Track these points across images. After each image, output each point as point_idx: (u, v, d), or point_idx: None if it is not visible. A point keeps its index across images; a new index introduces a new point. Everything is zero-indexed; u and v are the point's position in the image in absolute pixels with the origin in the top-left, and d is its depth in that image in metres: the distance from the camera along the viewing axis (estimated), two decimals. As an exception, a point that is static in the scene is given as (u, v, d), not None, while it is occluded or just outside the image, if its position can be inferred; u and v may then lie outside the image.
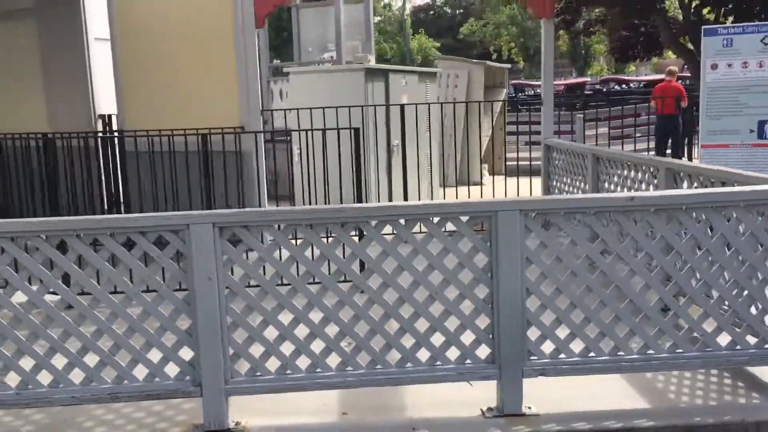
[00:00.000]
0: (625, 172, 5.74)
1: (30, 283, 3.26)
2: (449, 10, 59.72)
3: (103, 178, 7.55)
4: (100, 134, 8.13)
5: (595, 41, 48.14)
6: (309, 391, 3.44)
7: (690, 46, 13.53)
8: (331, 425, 3.45)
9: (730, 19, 12.87)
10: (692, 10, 13.44)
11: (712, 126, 7.05)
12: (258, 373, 3.41)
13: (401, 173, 8.07)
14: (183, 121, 7.31)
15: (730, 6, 12.73)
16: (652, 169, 5.19)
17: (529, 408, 3.45)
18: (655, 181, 5.04)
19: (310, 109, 7.86)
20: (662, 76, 21.65)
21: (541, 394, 3.49)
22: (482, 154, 12.74)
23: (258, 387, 3.40)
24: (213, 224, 3.25)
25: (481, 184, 11.24)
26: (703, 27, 7.18)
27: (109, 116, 9.60)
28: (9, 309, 3.26)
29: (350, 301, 3.37)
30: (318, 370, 3.42)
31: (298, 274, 3.39)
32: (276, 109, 8.39)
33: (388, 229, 3.34)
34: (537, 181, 8.50)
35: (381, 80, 9.19)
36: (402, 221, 3.34)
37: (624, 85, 21.93)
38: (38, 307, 3.28)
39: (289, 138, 8.76)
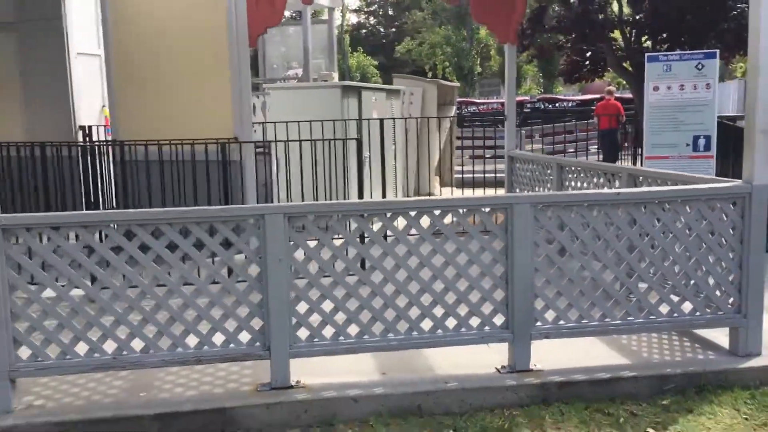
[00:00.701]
0: (588, 178, 6.67)
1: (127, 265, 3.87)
2: (382, 29, 61.03)
3: (84, 184, 7.90)
4: (100, 143, 8.53)
5: (525, 63, 50.36)
6: (358, 354, 4.15)
7: (630, 69, 14.90)
8: (375, 382, 4.16)
9: (665, 46, 14.31)
10: (632, 38, 14.84)
11: (655, 140, 8.09)
12: (315, 339, 4.09)
13: (371, 182, 8.85)
14: (178, 132, 7.89)
15: (665, 35, 14.17)
16: (613, 175, 6.13)
17: (535, 365, 4.25)
18: (617, 183, 5.97)
19: (298, 122, 8.55)
20: (589, 96, 23.28)
21: (544, 356, 4.29)
22: (435, 167, 13.69)
23: (316, 350, 4.08)
24: (284, 214, 3.93)
25: (430, 194, 12.15)
26: (646, 54, 8.23)
27: (89, 127, 10.00)
28: (110, 287, 3.85)
29: (392, 279, 4.10)
30: (365, 336, 4.13)
31: (348, 256, 4.11)
32: (262, 122, 9.00)
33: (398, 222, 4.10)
34: (489, 192, 9.36)
35: (355, 96, 9.94)
36: (437, 212, 4.11)
37: (557, 104, 23.38)
38: (134, 285, 3.88)
39: (267, 150, 9.38)
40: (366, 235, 4.12)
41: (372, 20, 62.01)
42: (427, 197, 4.31)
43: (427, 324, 4.18)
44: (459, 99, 26.96)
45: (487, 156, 16.88)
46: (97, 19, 12.00)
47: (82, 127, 10.17)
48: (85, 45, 11.11)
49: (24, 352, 3.85)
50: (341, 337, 4.11)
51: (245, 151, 8.15)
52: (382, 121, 8.52)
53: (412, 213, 4.11)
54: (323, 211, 4.01)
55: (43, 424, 3.74)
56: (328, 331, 4.10)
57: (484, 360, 4.35)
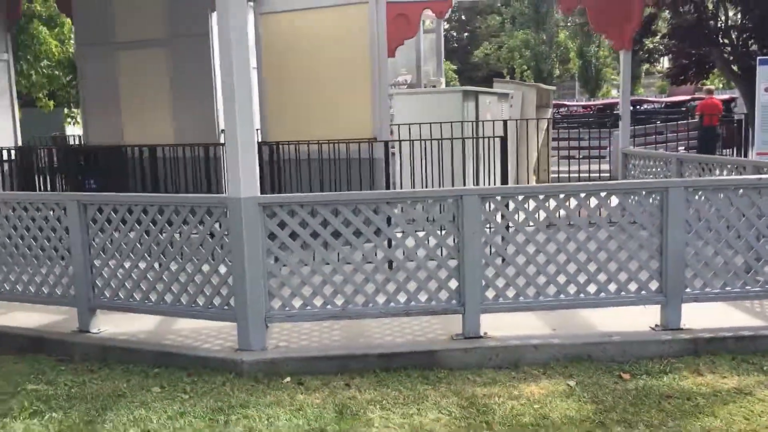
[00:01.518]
0: (709, 172, 7.35)
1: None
2: (455, 33, 61.72)
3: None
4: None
5: (604, 66, 50.24)
6: (535, 311, 5.03)
7: (739, 72, 15.29)
8: (550, 335, 5.02)
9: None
10: (740, 43, 15.28)
11: (765, 137, 8.67)
12: (500, 299, 4.98)
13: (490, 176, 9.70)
14: (323, 134, 8.98)
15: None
16: (737, 167, 6.81)
17: (684, 325, 5.03)
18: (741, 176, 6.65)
19: (430, 123, 9.48)
20: (675, 99, 23.61)
21: (691, 318, 5.06)
22: (533, 167, 14.40)
23: (502, 307, 4.98)
24: (478, 195, 4.85)
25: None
26: (758, 58, 8.82)
27: None
28: (340, 252, 4.85)
29: (564, 249, 4.96)
30: (540, 297, 5.00)
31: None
32: (398, 124, 9.95)
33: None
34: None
35: (472, 100, 10.82)
36: (603, 194, 4.95)
37: (646, 106, 23.67)
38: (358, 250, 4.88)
39: (393, 149, 10.37)
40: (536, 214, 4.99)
41: (445, 25, 62.76)
42: (588, 183, 5.13)
43: (592, 288, 5.02)
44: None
45: (582, 156, 17.51)
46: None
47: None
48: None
49: (275, 303, 4.89)
50: (521, 297, 4.99)
51: (384, 149, 9.17)
52: (506, 122, 9.35)
53: (582, 195, 4.96)
54: (509, 193, 4.91)
55: (292, 358, 4.76)
56: (510, 292, 4.99)
57: (638, 321, 5.14)
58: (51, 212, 5.51)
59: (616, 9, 9.12)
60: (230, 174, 4.85)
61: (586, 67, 49.93)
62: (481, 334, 4.97)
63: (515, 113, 14.82)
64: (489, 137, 8.98)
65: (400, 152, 9.90)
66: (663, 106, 25.01)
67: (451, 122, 9.80)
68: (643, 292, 5.04)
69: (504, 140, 7.42)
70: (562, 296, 5.01)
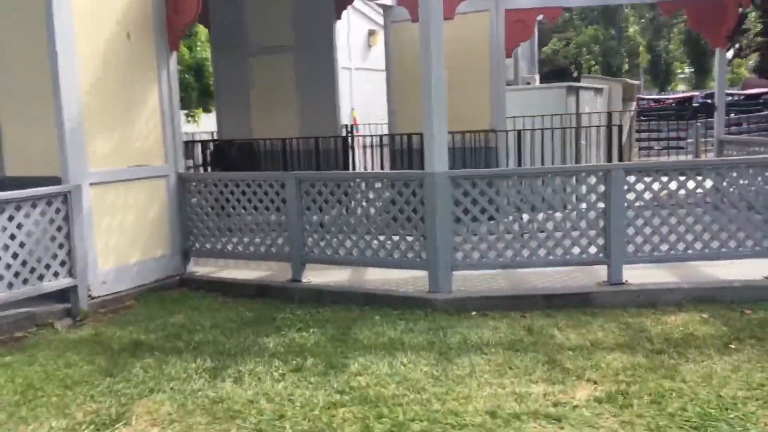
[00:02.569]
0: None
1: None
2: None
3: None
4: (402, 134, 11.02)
5: (674, 60, 50.17)
6: (668, 263, 6.23)
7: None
8: (679, 281, 6.20)
9: None
10: None
11: None
12: (638, 253, 6.20)
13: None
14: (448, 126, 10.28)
15: None
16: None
17: (792, 275, 6.14)
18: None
19: (535, 116, 10.71)
20: (752, 91, 24.16)
21: None
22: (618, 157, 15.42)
23: (640, 259, 6.19)
24: (623, 169, 6.08)
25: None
26: None
27: (350, 126, 12.75)
28: (512, 217, 6.16)
29: (692, 212, 6.15)
30: (671, 251, 6.19)
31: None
32: (515, 116, 11.16)
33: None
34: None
35: (574, 95, 11.99)
36: (734, 172, 6.11)
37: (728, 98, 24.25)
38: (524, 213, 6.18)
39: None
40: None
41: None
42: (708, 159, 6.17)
43: (714, 243, 6.19)
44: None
45: (660, 147, 18.45)
46: (348, 41, 14.82)
47: (345, 126, 12.93)
48: (347, 61, 13.87)
49: (458, 255, 6.23)
50: (655, 252, 6.19)
51: (500, 139, 10.45)
52: (610, 114, 10.51)
53: (709, 168, 6.14)
54: (658, 167, 6.14)
55: (474, 297, 6.10)
56: (647, 247, 6.20)
57: (751, 273, 6.27)
58: (270, 187, 7.00)
59: (712, 11, 10.14)
60: (426, 153, 6.20)
61: (655, 61, 49.99)
62: (623, 281, 6.19)
63: (605, 106, 15.92)
64: (596, 126, 10.14)
65: (513, 141, 11.07)
66: (742, 98, 25.53)
67: (559, 114, 11.02)
68: (757, 247, 6.17)
69: (620, 129, 8.59)
70: (689, 251, 6.19)
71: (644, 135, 19.74)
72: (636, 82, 17.79)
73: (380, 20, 16.15)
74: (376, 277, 6.91)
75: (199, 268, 7.72)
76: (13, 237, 5.71)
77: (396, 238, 6.43)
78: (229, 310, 6.33)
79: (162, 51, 7.26)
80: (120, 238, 6.86)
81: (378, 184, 6.47)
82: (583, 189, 6.24)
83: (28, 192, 5.85)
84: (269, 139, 11.67)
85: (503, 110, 10.58)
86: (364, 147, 12.80)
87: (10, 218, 5.70)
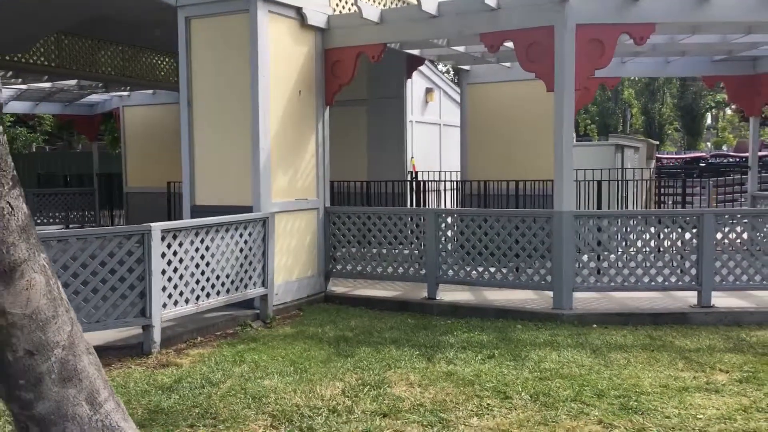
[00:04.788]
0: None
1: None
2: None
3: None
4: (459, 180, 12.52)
5: (667, 123, 52.75)
6: (752, 291, 7.68)
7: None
8: (757, 306, 7.64)
9: None
10: None
11: None
12: (723, 282, 7.65)
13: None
14: (513, 175, 11.78)
15: None
16: None
17: None
18: None
19: (596, 169, 12.26)
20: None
21: None
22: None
23: (725, 287, 7.64)
24: (713, 213, 7.57)
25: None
26: None
27: (416, 172, 14.26)
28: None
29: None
30: (750, 282, 7.64)
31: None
32: (576, 169, 12.69)
33: None
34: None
35: (620, 152, 13.61)
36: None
37: (727, 160, 26.19)
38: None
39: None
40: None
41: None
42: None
43: (784, 277, 7.66)
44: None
45: (672, 202, 20.04)
46: (421, 97, 16.50)
47: (409, 172, 14.44)
48: (418, 115, 15.48)
49: (578, 279, 7.64)
50: (737, 282, 7.64)
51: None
52: (651, 170, 12.09)
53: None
54: (732, 212, 7.62)
55: (593, 314, 7.48)
56: (731, 278, 7.65)
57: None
58: (410, 219, 8.42)
59: (749, 84, 11.86)
60: (555, 195, 7.67)
61: (649, 123, 52.53)
62: (712, 304, 7.63)
63: (641, 163, 17.59)
64: (639, 180, 11.65)
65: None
66: (742, 160, 27.47)
67: (609, 169, 12.60)
68: (819, 281, 7.66)
69: (650, 183, 10.13)
70: (765, 281, 7.66)
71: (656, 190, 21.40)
72: (655, 142, 19.50)
73: (436, 80, 17.87)
74: (498, 297, 8.30)
75: (336, 288, 9.06)
76: (233, 251, 7.05)
77: (523, 264, 7.84)
78: (387, 319, 7.65)
79: (320, 106, 8.74)
80: (288, 258, 8.20)
81: (506, 220, 7.90)
82: (679, 229, 7.71)
83: (245, 216, 7.23)
84: (343, 181, 13.01)
85: (571, 163, 12.09)
86: (432, 191, 14.28)
87: (232, 236, 7.05)
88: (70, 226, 18.17)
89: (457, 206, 13.06)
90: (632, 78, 51.22)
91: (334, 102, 8.97)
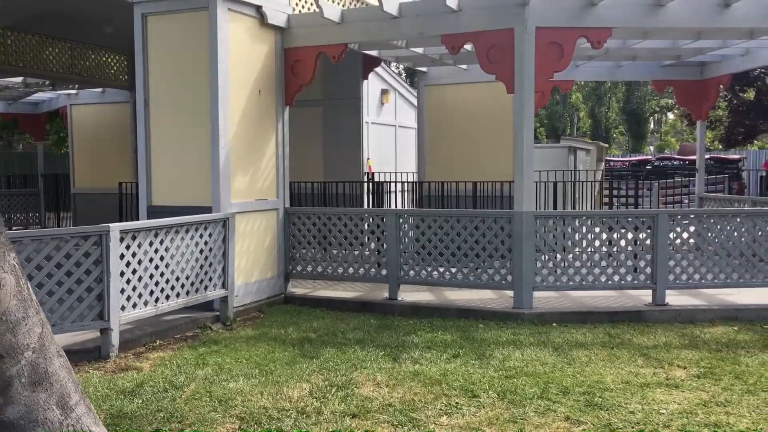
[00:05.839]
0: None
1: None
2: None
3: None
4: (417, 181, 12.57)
5: (612, 127, 54.07)
6: (699, 289, 7.90)
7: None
8: (708, 304, 7.87)
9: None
10: None
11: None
12: (677, 281, 7.85)
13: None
14: (469, 176, 11.90)
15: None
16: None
17: (792, 301, 7.92)
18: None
19: (548, 171, 12.47)
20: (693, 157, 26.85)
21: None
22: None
23: (678, 285, 7.85)
24: (668, 214, 7.77)
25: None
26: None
27: (372, 173, 14.30)
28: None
29: (729, 245, 7.87)
30: (702, 280, 7.87)
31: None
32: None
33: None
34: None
35: (573, 154, 13.87)
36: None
37: (673, 162, 26.92)
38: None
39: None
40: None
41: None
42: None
43: (734, 275, 7.91)
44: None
45: (619, 204, 20.45)
46: (376, 99, 16.51)
47: (366, 173, 14.44)
48: (373, 116, 15.49)
49: (537, 278, 7.74)
50: (690, 280, 7.86)
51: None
52: (603, 171, 12.37)
53: (707, 216, 7.91)
54: (684, 213, 7.84)
55: (552, 312, 7.58)
56: (685, 276, 7.86)
57: (760, 299, 8.01)
58: (371, 220, 8.41)
59: (697, 89, 12.24)
60: (516, 195, 7.76)
61: (596, 126, 53.73)
62: (666, 303, 7.82)
63: (591, 165, 17.92)
64: (590, 181, 11.90)
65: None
66: (687, 163, 28.30)
67: (563, 170, 12.84)
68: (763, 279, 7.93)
69: (601, 184, 10.38)
70: (716, 280, 7.89)
71: (605, 192, 21.93)
72: (605, 145, 19.95)
73: (392, 81, 17.90)
74: (459, 297, 8.35)
75: (295, 289, 8.97)
76: (192, 252, 6.92)
77: (484, 263, 7.91)
78: (349, 319, 7.62)
79: (280, 106, 8.66)
80: (247, 259, 8.09)
81: (467, 220, 7.95)
82: (634, 229, 7.89)
83: (206, 216, 7.10)
84: (299, 182, 12.90)
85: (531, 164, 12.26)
86: (388, 192, 14.28)
87: (192, 237, 6.92)
88: (14, 228, 17.56)
89: (414, 207, 13.12)
90: (580, 82, 52.45)
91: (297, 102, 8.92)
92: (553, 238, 7.82)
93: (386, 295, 8.34)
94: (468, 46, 8.27)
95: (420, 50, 10.69)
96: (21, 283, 2.69)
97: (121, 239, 6.08)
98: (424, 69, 12.76)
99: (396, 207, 14.13)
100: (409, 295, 8.43)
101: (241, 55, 7.95)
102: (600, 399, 4.93)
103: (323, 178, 13.54)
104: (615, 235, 7.91)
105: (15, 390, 2.68)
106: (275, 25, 8.44)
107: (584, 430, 4.38)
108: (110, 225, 5.99)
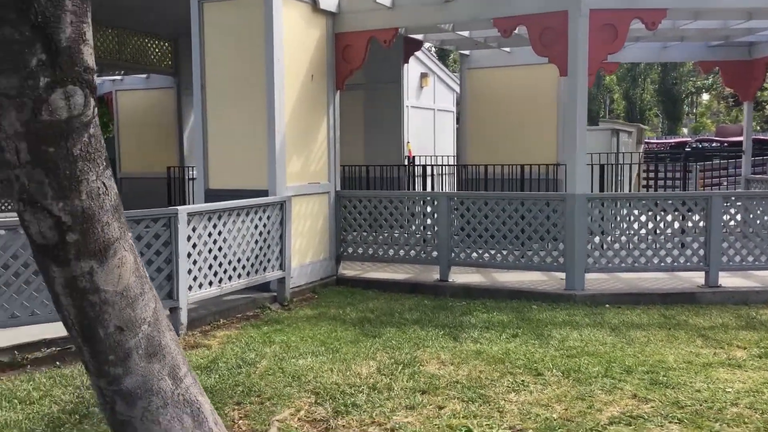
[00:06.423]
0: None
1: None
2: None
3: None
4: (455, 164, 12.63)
5: (647, 109, 53.27)
6: (758, 271, 7.88)
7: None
8: (763, 285, 7.85)
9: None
10: None
11: None
12: (730, 262, 7.83)
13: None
14: (513, 159, 11.92)
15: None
16: None
17: None
18: None
19: (591, 154, 12.42)
20: (737, 138, 26.47)
21: None
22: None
23: (732, 267, 7.83)
24: (722, 196, 7.75)
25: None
26: None
27: (412, 157, 14.38)
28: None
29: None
30: (756, 262, 7.84)
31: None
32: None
33: None
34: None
35: (615, 137, 13.78)
36: (798, 197, 7.84)
37: (713, 144, 26.58)
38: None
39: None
40: (758, 209, 7.88)
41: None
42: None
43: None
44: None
45: (658, 186, 20.36)
46: (416, 82, 16.56)
47: (407, 157, 14.51)
48: (414, 100, 15.56)
49: (590, 260, 7.79)
50: (743, 262, 7.84)
51: (561, 172, 12.11)
52: (641, 154, 12.28)
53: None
54: (740, 195, 7.81)
55: (605, 294, 7.63)
56: (737, 257, 7.84)
57: None
58: (422, 203, 8.51)
59: (745, 70, 12.07)
60: (569, 178, 7.80)
61: (630, 108, 53.04)
62: (719, 284, 7.82)
63: (632, 147, 17.80)
64: (631, 164, 11.84)
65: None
66: (727, 144, 27.91)
67: (607, 153, 12.78)
68: (821, 261, 7.88)
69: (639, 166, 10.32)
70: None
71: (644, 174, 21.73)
72: (645, 127, 19.76)
73: (430, 64, 17.90)
74: (509, 279, 8.43)
75: (345, 271, 9.13)
76: (252, 234, 7.09)
77: (535, 245, 7.97)
78: (403, 300, 7.75)
79: (331, 90, 8.78)
80: (301, 241, 8.26)
81: (519, 203, 8.02)
82: (687, 211, 7.88)
83: (264, 199, 7.27)
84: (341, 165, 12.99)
85: (573, 146, 12.24)
86: (429, 176, 14.35)
87: (252, 220, 7.09)
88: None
89: (454, 190, 13.18)
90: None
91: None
92: (605, 220, 7.85)
93: (436, 276, 8.46)
94: (519, 29, 8.29)
95: (465, 33, 10.71)
96: (138, 260, 2.85)
97: (188, 221, 6.26)
98: (466, 52, 12.78)
99: (436, 190, 14.22)
100: (459, 276, 8.53)
101: (295, 41, 8.07)
102: (665, 378, 4.99)
103: (363, 161, 13.64)
104: (668, 217, 7.91)
105: (133, 361, 2.84)
106: (327, 10, 8.54)
107: (653, 407, 4.46)
108: (178, 207, 6.18)
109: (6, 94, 2.35)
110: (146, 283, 2.90)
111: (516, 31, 8.37)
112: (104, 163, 2.65)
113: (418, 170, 14.25)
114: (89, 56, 2.48)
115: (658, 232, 7.95)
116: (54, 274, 2.65)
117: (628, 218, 7.90)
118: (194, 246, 6.36)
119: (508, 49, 12.19)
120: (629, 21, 7.55)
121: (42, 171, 2.46)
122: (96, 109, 2.58)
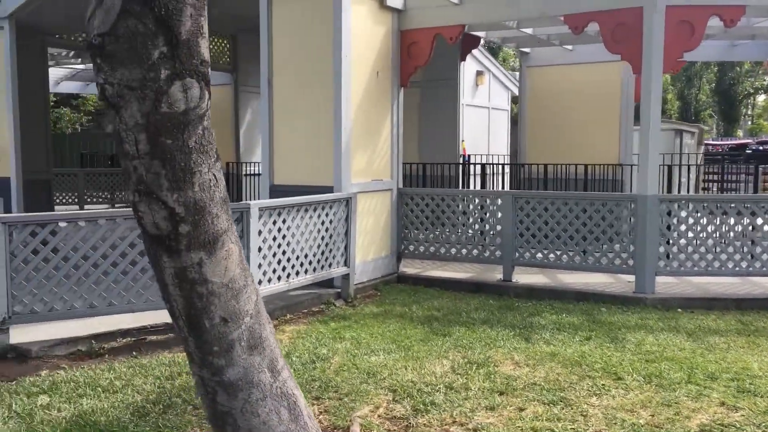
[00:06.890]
0: None
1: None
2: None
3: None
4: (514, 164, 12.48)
5: (702, 110, 51.97)
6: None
7: None
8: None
9: None
10: None
11: None
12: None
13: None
14: (570, 158, 11.71)
15: None
16: None
17: None
18: None
19: (663, 155, 12.13)
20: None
21: None
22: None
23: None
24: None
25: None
26: None
27: (467, 155, 14.24)
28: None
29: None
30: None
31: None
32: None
33: None
34: None
35: (679, 137, 13.45)
36: None
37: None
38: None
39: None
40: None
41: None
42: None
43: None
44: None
45: (717, 188, 19.82)
46: (471, 80, 16.43)
47: (461, 155, 14.39)
48: (470, 98, 15.44)
49: (660, 263, 7.59)
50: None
51: (626, 173, 11.87)
52: (698, 155, 11.94)
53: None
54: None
55: (675, 298, 7.42)
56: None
57: None
58: (486, 201, 8.42)
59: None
60: (640, 178, 7.61)
61: (685, 109, 51.82)
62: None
63: (694, 148, 17.41)
64: (698, 165, 11.54)
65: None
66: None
67: (671, 153, 12.48)
68: None
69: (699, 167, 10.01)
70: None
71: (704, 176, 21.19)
72: (706, 127, 19.26)
73: (486, 62, 17.74)
74: (574, 280, 8.28)
75: (406, 269, 9.09)
76: (318, 230, 7.11)
77: (603, 247, 7.81)
78: (468, 299, 7.68)
79: (395, 87, 8.74)
80: (364, 239, 8.24)
81: (587, 203, 7.87)
82: (764, 215, 7.63)
83: (330, 196, 7.28)
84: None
85: (630, 148, 12.03)
86: (484, 174, 14.23)
87: (318, 216, 7.10)
88: (116, 206, 18.38)
89: (510, 189, 13.03)
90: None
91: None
92: (678, 222, 7.65)
93: (499, 276, 8.36)
94: (590, 26, 8.12)
95: (529, 31, 10.57)
96: (242, 253, 2.85)
97: (259, 216, 6.30)
98: (527, 50, 12.62)
99: (491, 189, 14.08)
100: (522, 277, 8.42)
101: (362, 38, 8.06)
102: (752, 386, 4.82)
103: (418, 159, 13.59)
104: (744, 220, 7.67)
105: (236, 353, 2.84)
106: (393, 7, 8.51)
107: (743, 415, 4.31)
108: (250, 202, 6.22)
109: (129, 86, 2.37)
110: (249, 275, 2.90)
111: (588, 29, 8.21)
112: (215, 156, 2.66)
113: (474, 169, 14.14)
114: (205, 49, 2.49)
115: (731, 235, 7.70)
116: (164, 265, 2.66)
117: (702, 220, 7.68)
118: (264, 241, 6.39)
119: (570, 47, 12.00)
120: (707, 18, 7.33)
121: (159, 162, 2.47)
122: (210, 102, 2.59)
